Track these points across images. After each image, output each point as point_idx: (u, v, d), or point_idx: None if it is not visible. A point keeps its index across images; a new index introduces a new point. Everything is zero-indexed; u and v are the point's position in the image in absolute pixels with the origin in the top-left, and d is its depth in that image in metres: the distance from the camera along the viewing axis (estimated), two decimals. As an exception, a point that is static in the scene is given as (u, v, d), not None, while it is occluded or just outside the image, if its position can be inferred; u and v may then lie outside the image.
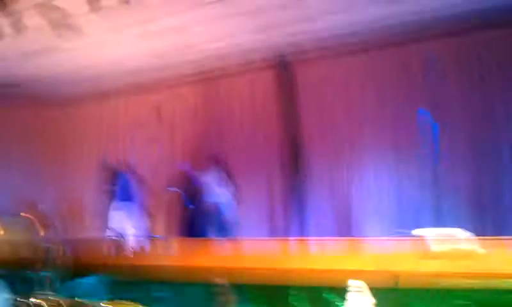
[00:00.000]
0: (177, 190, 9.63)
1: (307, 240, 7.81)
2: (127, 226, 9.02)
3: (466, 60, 8.73)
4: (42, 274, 6.09)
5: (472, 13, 8.38)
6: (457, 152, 8.50)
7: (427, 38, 8.97)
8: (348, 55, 9.71)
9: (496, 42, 8.48)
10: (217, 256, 5.78)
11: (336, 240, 6.77)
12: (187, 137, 11.11)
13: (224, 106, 10.91)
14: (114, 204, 9.80)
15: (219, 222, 9.28)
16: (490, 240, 5.64)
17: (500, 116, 8.30)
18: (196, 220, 9.47)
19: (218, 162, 9.62)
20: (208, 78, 11.05)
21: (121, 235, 8.59)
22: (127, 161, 10.68)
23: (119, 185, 10.05)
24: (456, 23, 8.61)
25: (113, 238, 8.40)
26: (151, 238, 8.14)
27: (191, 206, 9.45)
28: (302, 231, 9.49)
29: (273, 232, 9.83)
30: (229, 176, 9.54)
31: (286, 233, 9.64)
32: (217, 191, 9.36)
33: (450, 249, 4.92)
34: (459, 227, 5.79)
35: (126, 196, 9.93)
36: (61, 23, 8.85)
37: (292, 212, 9.77)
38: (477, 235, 4.99)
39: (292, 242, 6.87)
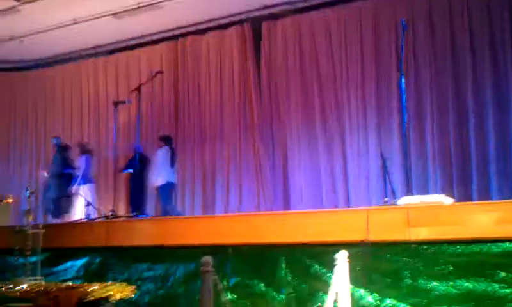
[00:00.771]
0: (130, 170, 9.72)
1: (289, 213, 7.86)
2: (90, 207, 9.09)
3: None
4: (25, 259, 6.02)
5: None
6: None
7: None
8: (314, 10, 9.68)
9: None
10: (200, 234, 5.76)
11: (321, 211, 6.82)
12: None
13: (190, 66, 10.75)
14: (76, 185, 9.81)
15: (165, 200, 9.42)
16: (472, 205, 5.76)
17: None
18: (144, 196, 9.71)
19: (168, 141, 9.61)
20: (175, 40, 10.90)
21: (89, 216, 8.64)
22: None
23: (79, 166, 10.02)
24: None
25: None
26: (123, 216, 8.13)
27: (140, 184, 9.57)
28: (280, 203, 9.57)
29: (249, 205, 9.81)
30: (175, 155, 9.63)
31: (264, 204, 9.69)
32: (165, 170, 9.40)
33: (430, 214, 4.99)
34: (442, 193, 5.91)
35: (86, 177, 9.94)
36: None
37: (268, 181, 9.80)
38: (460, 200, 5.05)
39: (273, 214, 6.92)
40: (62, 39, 11.01)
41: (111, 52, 11.62)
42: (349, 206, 8.54)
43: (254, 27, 10.20)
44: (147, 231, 6.18)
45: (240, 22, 10.25)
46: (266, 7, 9.87)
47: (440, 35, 8.59)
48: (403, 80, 6.10)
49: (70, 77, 12.04)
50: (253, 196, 9.75)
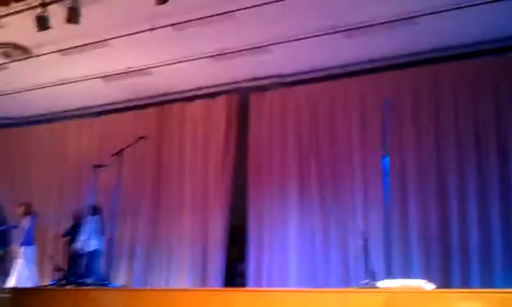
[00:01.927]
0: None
1: (267, 290, 7.67)
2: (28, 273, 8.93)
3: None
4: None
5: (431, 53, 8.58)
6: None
7: (383, 73, 9.04)
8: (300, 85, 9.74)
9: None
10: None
11: (297, 291, 6.64)
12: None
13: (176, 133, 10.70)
14: (18, 246, 9.71)
15: (91, 268, 9.23)
16: (457, 292, 5.61)
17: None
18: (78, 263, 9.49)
19: (97, 210, 9.48)
20: (162, 105, 10.89)
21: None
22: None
23: (23, 226, 9.84)
24: (413, 64, 8.80)
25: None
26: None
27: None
28: (242, 279, 9.38)
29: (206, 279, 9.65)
30: (104, 225, 9.48)
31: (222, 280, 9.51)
32: (93, 238, 9.30)
33: (411, 300, 4.85)
34: (423, 278, 5.77)
35: (29, 239, 9.79)
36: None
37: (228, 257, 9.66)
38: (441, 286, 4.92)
39: (250, 291, 6.72)
40: (48, 98, 10.96)
41: (97, 114, 11.54)
42: (328, 287, 8.33)
43: (242, 98, 10.21)
44: (116, 301, 5.94)
45: (228, 92, 10.24)
46: (255, 79, 9.89)
47: (425, 115, 8.62)
48: (387, 159, 6.04)
49: (53, 137, 11.88)
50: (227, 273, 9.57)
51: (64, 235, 10.03)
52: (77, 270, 9.28)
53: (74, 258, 9.49)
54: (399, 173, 8.43)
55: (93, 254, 9.28)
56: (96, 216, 9.44)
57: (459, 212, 8.11)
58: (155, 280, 10.03)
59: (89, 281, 7.96)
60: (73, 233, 9.69)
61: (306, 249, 8.99)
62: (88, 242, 9.26)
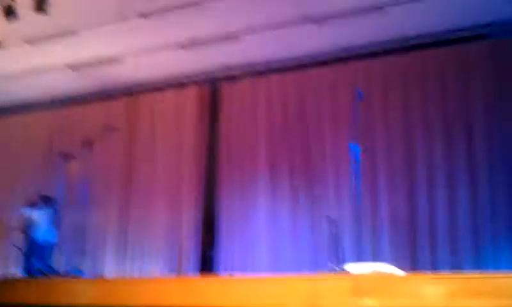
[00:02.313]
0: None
1: (236, 278, 7.69)
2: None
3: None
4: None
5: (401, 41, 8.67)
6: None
7: (354, 62, 9.12)
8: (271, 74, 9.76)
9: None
10: (146, 296, 5.56)
11: (267, 277, 6.67)
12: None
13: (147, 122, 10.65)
14: None
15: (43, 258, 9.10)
16: (425, 276, 5.70)
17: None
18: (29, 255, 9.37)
19: (49, 200, 9.40)
20: (132, 95, 10.83)
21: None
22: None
23: None
24: (383, 53, 8.88)
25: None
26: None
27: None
28: (214, 267, 9.42)
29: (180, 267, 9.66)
30: (57, 214, 9.37)
31: (195, 268, 9.53)
32: (45, 228, 9.22)
33: (380, 284, 4.92)
34: (392, 262, 5.85)
35: None
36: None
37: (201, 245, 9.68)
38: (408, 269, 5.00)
39: (220, 279, 6.75)
40: (17, 89, 10.85)
41: (66, 104, 11.43)
42: (298, 273, 8.39)
43: (212, 87, 10.21)
44: (88, 291, 5.93)
45: (199, 81, 10.23)
46: (226, 68, 9.88)
47: (394, 104, 8.71)
48: (357, 147, 6.11)
49: (23, 128, 11.75)
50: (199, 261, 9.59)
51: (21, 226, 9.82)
52: (34, 261, 9.19)
53: (32, 249, 9.39)
54: (369, 160, 8.51)
55: (47, 246, 9.16)
56: (50, 207, 9.30)
57: (427, 198, 8.24)
58: (128, 269, 10.00)
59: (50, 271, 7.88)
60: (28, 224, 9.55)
61: (277, 236, 9.06)
62: (44, 233, 9.16)
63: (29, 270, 8.44)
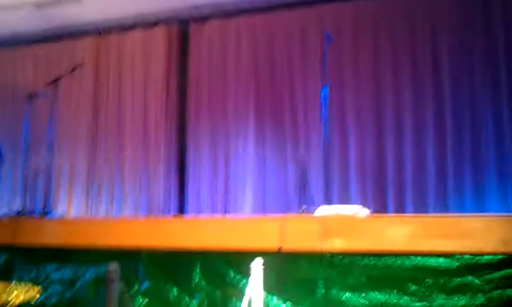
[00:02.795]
0: None
1: (205, 218, 7.77)
2: None
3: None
4: None
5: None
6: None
7: (323, 6, 9.06)
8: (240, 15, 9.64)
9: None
10: (112, 236, 5.59)
11: (238, 218, 6.77)
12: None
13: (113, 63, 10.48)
14: None
15: None
16: (388, 218, 5.85)
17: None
18: None
19: None
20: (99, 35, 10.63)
21: None
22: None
23: None
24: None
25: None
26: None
27: None
28: (184, 208, 9.44)
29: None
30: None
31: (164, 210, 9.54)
32: None
33: (346, 226, 5.04)
34: (360, 204, 5.97)
35: None
36: None
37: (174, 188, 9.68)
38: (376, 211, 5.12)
39: (189, 219, 6.81)
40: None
41: (30, 42, 11.14)
42: (266, 214, 8.51)
43: (181, 27, 10.08)
44: (56, 231, 5.94)
45: (167, 21, 10.08)
46: (194, 8, 9.75)
47: (363, 48, 8.72)
48: (326, 90, 6.14)
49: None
50: (166, 200, 9.60)
51: None
52: None
53: None
54: (338, 104, 8.58)
55: None
56: None
57: (394, 142, 8.34)
58: (96, 211, 10.01)
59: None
60: None
61: (245, 178, 9.12)
62: None
63: None
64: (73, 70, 8.87)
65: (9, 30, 10.83)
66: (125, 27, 10.38)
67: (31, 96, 8.49)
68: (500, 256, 4.51)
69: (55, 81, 8.36)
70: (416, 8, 8.56)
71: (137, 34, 10.32)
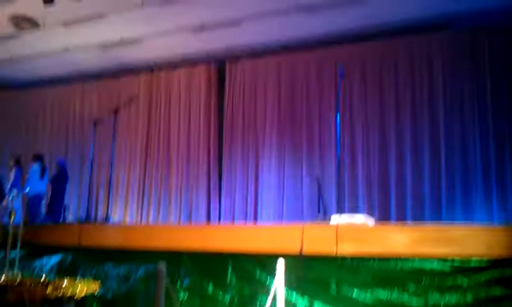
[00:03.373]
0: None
1: (236, 225, 7.78)
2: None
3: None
4: (5, 255, 5.75)
5: (377, 29, 8.61)
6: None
7: (337, 47, 9.07)
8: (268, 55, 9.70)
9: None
10: (159, 240, 5.60)
11: (264, 225, 6.76)
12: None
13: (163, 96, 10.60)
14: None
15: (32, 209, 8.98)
16: (391, 227, 5.77)
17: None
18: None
19: (39, 158, 9.34)
20: (151, 72, 10.78)
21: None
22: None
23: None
24: (362, 38, 8.84)
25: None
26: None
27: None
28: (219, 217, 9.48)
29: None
30: (45, 170, 9.30)
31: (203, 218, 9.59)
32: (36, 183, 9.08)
33: (356, 233, 4.98)
34: (367, 214, 5.91)
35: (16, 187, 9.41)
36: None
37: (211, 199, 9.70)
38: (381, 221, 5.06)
39: (223, 226, 6.82)
40: (54, 64, 10.77)
41: (96, 78, 11.35)
42: (287, 222, 8.49)
43: (219, 66, 10.17)
44: (114, 235, 5.99)
45: (207, 61, 10.18)
46: (229, 49, 9.84)
47: (371, 82, 8.69)
48: (338, 117, 6.12)
49: (59, 98, 11.70)
50: (206, 211, 9.65)
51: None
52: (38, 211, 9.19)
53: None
54: (348, 128, 8.56)
55: (35, 199, 9.00)
56: (38, 162, 9.19)
57: (397, 160, 8.28)
58: (145, 219, 10.12)
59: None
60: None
61: (272, 192, 9.12)
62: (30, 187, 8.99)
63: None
64: (131, 101, 9.00)
65: (78, 68, 11.06)
66: (172, 65, 10.52)
67: (96, 123, 8.61)
68: (486, 260, 4.42)
69: (116, 110, 8.48)
70: (416, 49, 8.53)
71: (182, 72, 10.45)
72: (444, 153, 7.96)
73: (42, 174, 9.23)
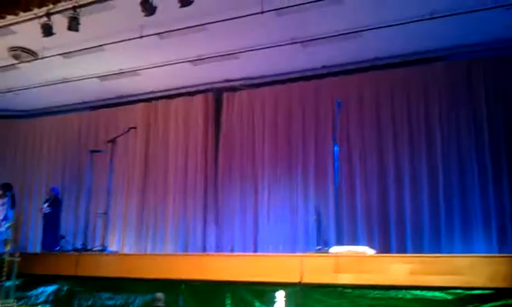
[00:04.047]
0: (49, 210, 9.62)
1: (235, 254, 7.67)
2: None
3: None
4: (0, 284, 5.63)
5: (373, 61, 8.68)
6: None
7: (333, 78, 9.11)
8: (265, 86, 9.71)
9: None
10: (157, 269, 5.50)
11: (263, 255, 6.68)
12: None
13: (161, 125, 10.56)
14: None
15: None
16: (391, 257, 5.70)
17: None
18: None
19: (10, 187, 9.40)
20: (149, 102, 10.77)
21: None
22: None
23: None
24: (358, 70, 8.91)
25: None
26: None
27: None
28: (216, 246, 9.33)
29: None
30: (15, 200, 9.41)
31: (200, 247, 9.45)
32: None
33: (355, 263, 4.92)
34: (367, 245, 5.85)
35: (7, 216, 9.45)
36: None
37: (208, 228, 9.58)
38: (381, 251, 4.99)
39: (221, 255, 6.70)
40: (52, 94, 10.75)
41: (94, 108, 11.35)
42: (287, 252, 8.36)
43: (216, 96, 10.17)
44: (111, 264, 5.89)
45: (205, 91, 10.19)
46: (227, 81, 9.87)
47: (368, 113, 8.70)
48: (336, 147, 6.10)
49: (57, 127, 11.65)
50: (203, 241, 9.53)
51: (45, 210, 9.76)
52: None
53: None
54: (346, 159, 8.52)
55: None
56: (7, 193, 9.23)
57: (395, 190, 8.23)
58: (145, 247, 9.98)
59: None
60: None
61: (269, 222, 9.02)
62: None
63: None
64: (128, 130, 8.97)
65: (76, 97, 11.04)
66: (170, 95, 10.53)
67: (93, 152, 8.58)
68: (487, 291, 4.35)
69: (113, 140, 8.44)
70: (412, 79, 8.56)
71: (180, 102, 10.44)
72: (442, 182, 7.92)
73: (13, 204, 9.30)
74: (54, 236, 9.38)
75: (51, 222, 9.47)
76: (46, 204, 9.57)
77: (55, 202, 9.60)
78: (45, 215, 9.51)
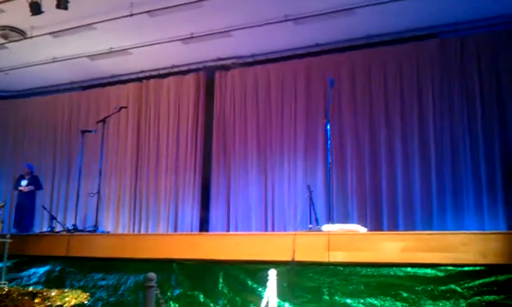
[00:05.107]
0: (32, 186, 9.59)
1: (227, 234, 7.67)
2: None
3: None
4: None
5: (365, 39, 8.62)
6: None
7: (325, 56, 9.05)
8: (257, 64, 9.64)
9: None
10: (149, 249, 5.48)
11: (255, 234, 6.67)
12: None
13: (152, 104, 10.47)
14: None
15: None
16: (383, 234, 5.71)
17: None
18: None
19: None
20: (140, 81, 10.68)
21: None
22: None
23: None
24: (350, 47, 8.83)
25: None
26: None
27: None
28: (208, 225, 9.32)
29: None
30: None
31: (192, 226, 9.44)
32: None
33: (348, 241, 4.92)
34: (358, 223, 5.85)
35: None
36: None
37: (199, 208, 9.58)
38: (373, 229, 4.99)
39: (213, 234, 6.69)
40: (42, 74, 10.61)
41: (84, 88, 11.22)
42: (280, 230, 8.37)
43: (208, 75, 10.08)
44: (103, 245, 5.86)
45: (197, 70, 10.10)
46: (219, 59, 9.77)
47: (360, 91, 8.65)
48: (328, 126, 6.07)
49: (47, 107, 11.52)
50: (196, 221, 9.51)
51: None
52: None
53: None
54: (338, 137, 8.49)
55: None
56: None
57: (387, 168, 8.22)
58: (137, 227, 9.96)
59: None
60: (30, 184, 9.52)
61: (262, 200, 9.00)
62: None
63: None
64: (119, 110, 8.88)
65: (67, 78, 10.92)
66: (162, 75, 10.43)
67: (84, 132, 8.50)
68: (478, 268, 4.37)
69: (104, 119, 8.36)
70: (404, 55, 8.50)
71: (171, 81, 10.35)
72: (434, 159, 7.92)
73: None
74: (31, 215, 9.34)
75: (29, 200, 9.37)
76: (26, 183, 9.43)
77: (34, 180, 9.49)
78: (25, 194, 9.37)
